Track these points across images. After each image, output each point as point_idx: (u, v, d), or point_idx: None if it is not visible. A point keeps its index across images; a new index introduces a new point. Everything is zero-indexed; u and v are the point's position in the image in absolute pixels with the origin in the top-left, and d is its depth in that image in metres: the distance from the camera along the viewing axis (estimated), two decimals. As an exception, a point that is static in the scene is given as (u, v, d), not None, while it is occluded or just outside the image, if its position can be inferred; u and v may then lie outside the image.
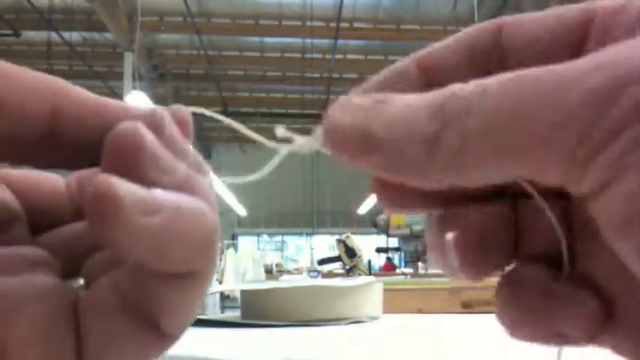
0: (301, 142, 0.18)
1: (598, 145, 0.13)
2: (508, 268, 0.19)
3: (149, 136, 0.16)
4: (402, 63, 0.19)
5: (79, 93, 0.18)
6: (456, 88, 0.15)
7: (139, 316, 0.17)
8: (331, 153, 0.17)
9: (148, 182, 0.16)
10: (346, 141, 0.16)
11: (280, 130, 0.19)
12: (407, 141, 0.15)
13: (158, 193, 0.16)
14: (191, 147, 0.18)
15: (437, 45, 0.18)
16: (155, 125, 0.17)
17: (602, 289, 0.17)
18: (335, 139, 0.16)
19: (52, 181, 0.21)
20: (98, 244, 0.18)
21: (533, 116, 0.14)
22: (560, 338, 0.18)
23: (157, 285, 0.16)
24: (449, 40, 0.18)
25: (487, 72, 0.16)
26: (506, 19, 0.18)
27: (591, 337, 0.17)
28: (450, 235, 0.18)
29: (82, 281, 0.19)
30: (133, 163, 0.16)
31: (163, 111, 0.18)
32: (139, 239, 0.15)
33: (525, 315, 0.18)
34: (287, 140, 0.19)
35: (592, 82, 0.13)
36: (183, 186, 0.17)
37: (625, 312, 0.17)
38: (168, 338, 0.17)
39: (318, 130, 0.17)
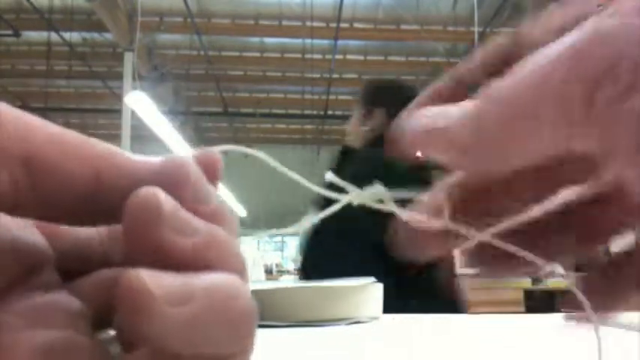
0: (358, 193, 0.23)
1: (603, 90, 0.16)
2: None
3: (167, 204, 0.16)
4: (441, 81, 0.24)
5: (121, 157, 0.18)
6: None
7: None
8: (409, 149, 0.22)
9: (167, 247, 0.16)
10: (419, 137, 0.21)
11: (329, 175, 0.23)
12: (463, 119, 0.20)
13: (189, 281, 0.16)
14: (216, 195, 0.19)
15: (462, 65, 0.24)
16: (178, 179, 0.17)
17: None
18: (414, 139, 0.22)
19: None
20: None
21: (543, 82, 0.17)
22: None
23: None
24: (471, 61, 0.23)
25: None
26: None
27: None
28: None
29: (112, 332, 0.19)
30: (152, 232, 0.16)
31: (188, 160, 0.18)
32: (170, 330, 0.15)
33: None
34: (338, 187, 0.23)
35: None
36: (205, 247, 0.17)
37: None
38: None
39: (372, 188, 0.23)
